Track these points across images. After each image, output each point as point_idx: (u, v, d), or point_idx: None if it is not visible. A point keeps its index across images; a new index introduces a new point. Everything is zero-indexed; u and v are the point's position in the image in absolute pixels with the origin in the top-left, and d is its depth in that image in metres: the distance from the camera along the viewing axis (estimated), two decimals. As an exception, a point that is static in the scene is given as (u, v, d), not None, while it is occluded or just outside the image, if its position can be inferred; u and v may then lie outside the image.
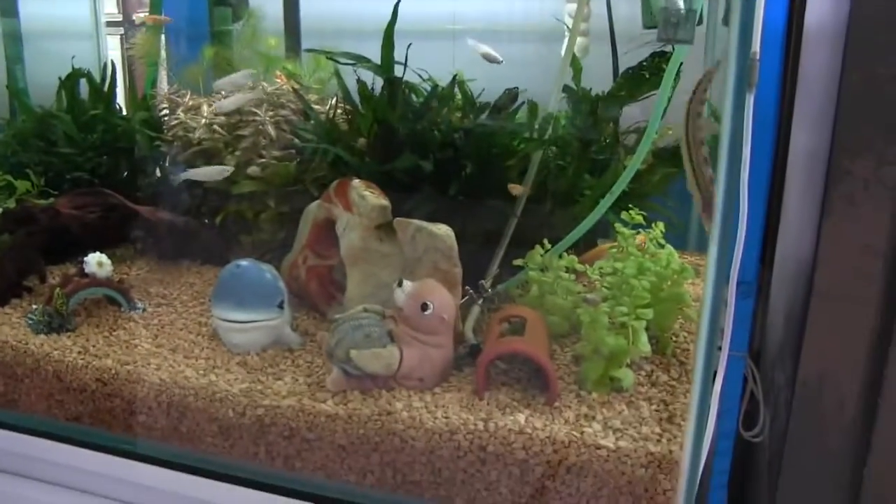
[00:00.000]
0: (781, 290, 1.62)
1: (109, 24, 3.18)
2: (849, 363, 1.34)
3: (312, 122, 2.14)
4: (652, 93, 1.98)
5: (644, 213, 1.93)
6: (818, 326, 1.36)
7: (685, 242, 2.42)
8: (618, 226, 1.92)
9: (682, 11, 1.47)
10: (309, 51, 2.18)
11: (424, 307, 1.61)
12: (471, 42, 2.09)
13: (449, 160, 1.93)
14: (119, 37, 3.29)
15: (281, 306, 1.81)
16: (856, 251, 1.29)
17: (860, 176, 1.26)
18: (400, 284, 1.64)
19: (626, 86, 2.05)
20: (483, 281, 1.92)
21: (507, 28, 2.78)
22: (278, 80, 2.33)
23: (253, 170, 2.09)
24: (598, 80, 2.14)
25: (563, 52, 2.02)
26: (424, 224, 1.76)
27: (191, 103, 2.27)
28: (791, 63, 1.60)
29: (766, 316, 1.77)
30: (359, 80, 2.02)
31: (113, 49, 3.26)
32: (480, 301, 1.91)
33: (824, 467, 1.41)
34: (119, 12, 3.36)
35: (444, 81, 2.07)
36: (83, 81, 2.54)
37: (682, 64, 1.77)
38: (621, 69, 2.13)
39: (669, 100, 1.84)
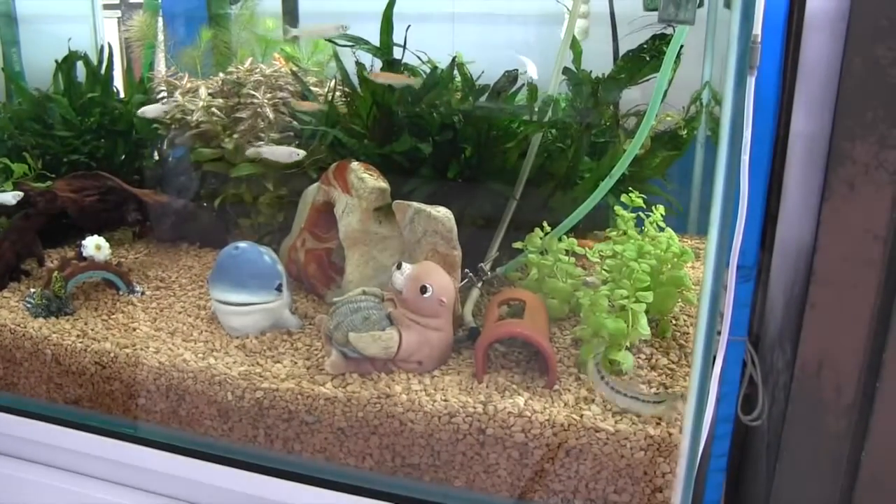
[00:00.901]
0: (781, 274, 1.62)
1: (106, 6, 3.16)
2: (848, 347, 1.34)
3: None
4: (652, 76, 1.97)
5: (644, 197, 1.93)
6: (818, 311, 1.35)
7: (685, 226, 2.42)
8: (617, 209, 1.92)
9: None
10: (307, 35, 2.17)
11: (423, 290, 1.61)
12: (523, 62, 2.07)
13: (448, 143, 1.92)
14: (116, 19, 3.27)
15: (279, 289, 1.81)
16: (856, 236, 1.29)
17: (860, 160, 1.25)
18: (399, 267, 1.64)
19: (627, 68, 2.04)
20: (482, 264, 1.92)
21: (507, 10, 2.77)
22: (276, 63, 2.32)
23: (252, 152, 2.08)
24: (599, 62, 2.13)
25: (562, 35, 2.01)
26: (423, 206, 1.75)
27: (188, 86, 2.25)
28: (792, 46, 1.59)
29: (766, 300, 1.77)
30: (357, 63, 2.01)
31: (111, 31, 3.24)
32: (480, 284, 1.91)
33: (823, 451, 1.41)
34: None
35: (443, 64, 2.06)
36: (80, 64, 2.52)
37: (682, 46, 1.76)
38: (621, 52, 2.11)
39: (670, 83, 1.83)
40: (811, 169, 1.38)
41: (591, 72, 2.08)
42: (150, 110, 2.25)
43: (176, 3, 2.73)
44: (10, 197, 2.05)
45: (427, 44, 2.10)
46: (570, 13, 2.00)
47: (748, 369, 1.67)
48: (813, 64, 1.46)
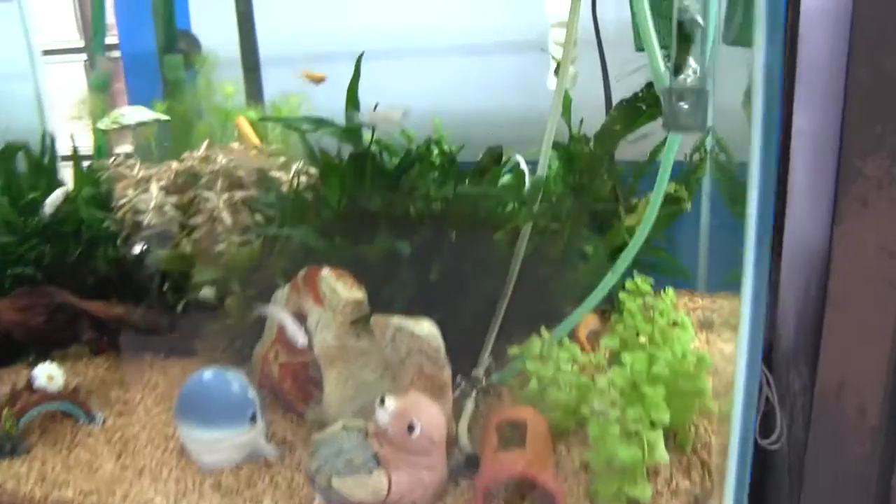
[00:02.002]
0: (791, 290, 1.52)
1: (47, 52, 2.88)
2: (870, 368, 1.27)
3: (274, 198, 1.93)
4: (648, 125, 1.81)
5: (651, 281, 1.76)
6: (835, 334, 1.28)
7: (694, 283, 2.26)
8: (623, 295, 1.76)
9: (691, 84, 1.30)
10: (263, 120, 1.96)
11: (411, 428, 1.44)
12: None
13: (428, 238, 1.72)
14: (83, 63, 3.05)
15: (253, 418, 1.64)
16: (871, 254, 1.22)
17: (873, 175, 1.19)
18: (382, 402, 1.47)
19: (621, 119, 1.87)
20: (476, 371, 1.74)
21: (484, 41, 2.66)
22: (235, 144, 2.11)
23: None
24: (587, 99, 2.04)
25: (549, 84, 1.85)
26: (404, 323, 1.56)
27: (140, 175, 2.04)
28: (788, 56, 1.46)
29: (775, 315, 1.64)
30: (321, 151, 1.81)
31: (62, 78, 3.02)
32: (474, 394, 1.73)
33: (849, 476, 1.35)
34: (81, 37, 3.11)
35: (422, 102, 1.84)
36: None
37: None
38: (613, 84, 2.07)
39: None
40: (819, 185, 1.27)
41: (581, 122, 1.94)
42: (49, 203, 2.11)
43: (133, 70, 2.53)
44: None
45: (399, 85, 1.94)
46: (557, 79, 1.77)
47: (763, 390, 1.54)
48: (813, 75, 1.35)
